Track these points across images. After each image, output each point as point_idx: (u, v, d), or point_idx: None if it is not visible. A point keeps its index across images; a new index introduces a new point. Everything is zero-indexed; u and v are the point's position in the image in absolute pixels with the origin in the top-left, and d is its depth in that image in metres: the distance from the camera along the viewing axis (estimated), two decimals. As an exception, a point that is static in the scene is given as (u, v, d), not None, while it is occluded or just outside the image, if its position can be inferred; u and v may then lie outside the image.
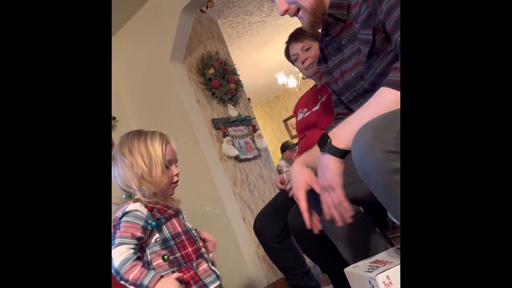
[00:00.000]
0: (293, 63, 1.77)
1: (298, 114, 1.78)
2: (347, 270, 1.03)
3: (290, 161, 4.75)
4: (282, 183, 1.63)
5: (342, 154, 0.91)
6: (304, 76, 1.83)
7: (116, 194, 1.08)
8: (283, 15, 1.10)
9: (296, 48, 1.70)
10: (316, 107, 1.64)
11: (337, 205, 0.92)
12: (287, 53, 1.77)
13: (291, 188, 1.56)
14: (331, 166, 0.91)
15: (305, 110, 1.73)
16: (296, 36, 1.71)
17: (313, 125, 1.58)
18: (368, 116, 0.85)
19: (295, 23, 4.75)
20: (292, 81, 5.72)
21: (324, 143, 0.92)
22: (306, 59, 1.68)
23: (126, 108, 3.13)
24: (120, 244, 1.00)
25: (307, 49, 1.68)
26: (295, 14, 1.11)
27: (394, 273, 0.87)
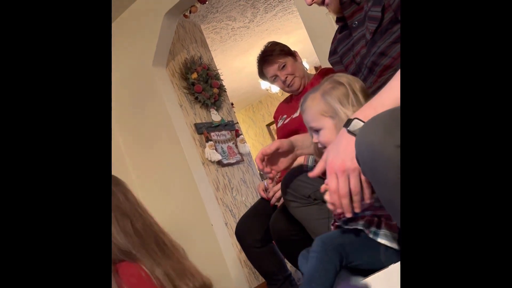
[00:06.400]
0: (271, 83, 1.78)
1: (278, 120, 1.80)
2: None
3: (272, 166, 4.75)
4: (265, 191, 1.64)
5: None
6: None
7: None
8: (310, 5, 1.10)
9: (272, 70, 1.71)
10: (296, 114, 1.66)
11: (352, 193, 0.80)
12: (262, 74, 1.78)
13: (273, 196, 1.57)
14: (350, 146, 0.79)
15: (285, 116, 1.75)
16: (266, 59, 1.72)
17: (294, 132, 1.60)
18: (396, 94, 0.78)
19: (278, 29, 4.74)
20: (275, 86, 5.75)
21: (348, 122, 0.83)
22: (286, 77, 1.69)
23: (108, 112, 3.10)
24: None
25: (282, 67, 1.70)
26: (322, 3, 1.13)
27: (373, 279, 0.89)
